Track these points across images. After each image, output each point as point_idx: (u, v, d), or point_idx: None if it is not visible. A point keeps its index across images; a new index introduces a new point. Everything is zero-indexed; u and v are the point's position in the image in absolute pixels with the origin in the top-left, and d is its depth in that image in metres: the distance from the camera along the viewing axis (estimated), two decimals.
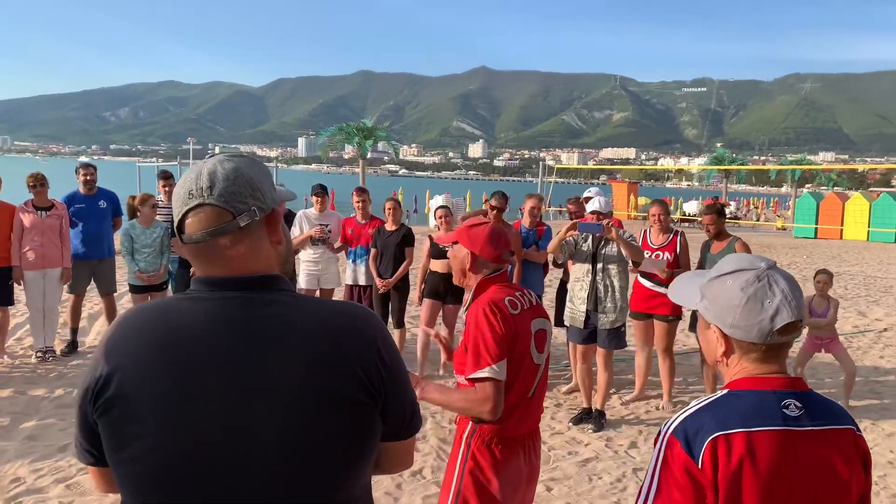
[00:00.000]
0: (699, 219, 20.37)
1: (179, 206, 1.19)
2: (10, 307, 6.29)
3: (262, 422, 1.08)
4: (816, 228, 27.43)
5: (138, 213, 6.25)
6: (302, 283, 6.51)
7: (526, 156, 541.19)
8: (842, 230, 26.92)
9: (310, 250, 6.52)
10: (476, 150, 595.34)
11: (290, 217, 6.44)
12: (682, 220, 30.73)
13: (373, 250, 6.31)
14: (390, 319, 6.36)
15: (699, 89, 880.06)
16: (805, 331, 5.97)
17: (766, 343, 1.31)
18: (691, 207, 35.14)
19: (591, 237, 5.09)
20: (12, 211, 6.01)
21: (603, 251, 5.07)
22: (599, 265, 5.07)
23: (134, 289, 6.33)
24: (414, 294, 6.53)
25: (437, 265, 6.17)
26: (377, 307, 6.28)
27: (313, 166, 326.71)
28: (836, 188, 44.33)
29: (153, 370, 1.09)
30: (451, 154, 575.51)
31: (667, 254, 5.59)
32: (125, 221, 6.53)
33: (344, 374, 1.13)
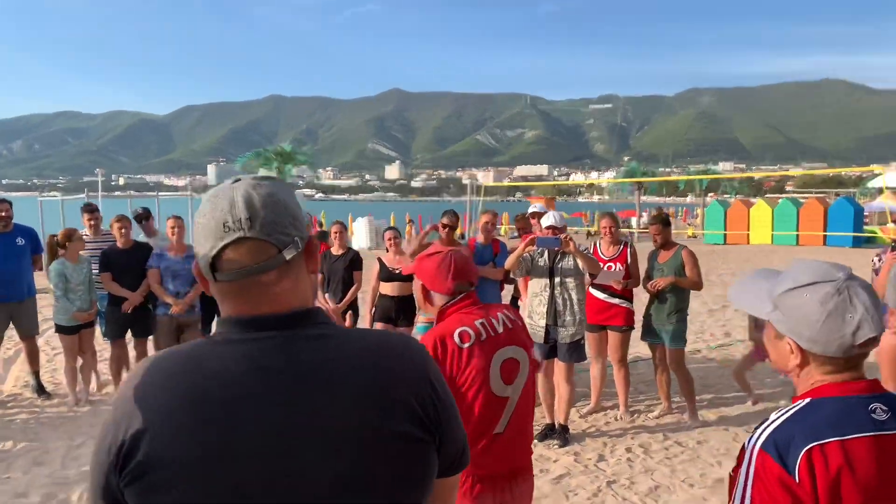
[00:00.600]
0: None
1: (213, 239, 1.04)
2: None
3: (315, 467, 0.97)
4: (725, 235, 28.87)
5: (63, 251, 5.82)
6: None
7: (443, 176, 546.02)
8: (748, 235, 28.45)
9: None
10: (393, 171, 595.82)
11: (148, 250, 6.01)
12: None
13: (319, 276, 6.11)
14: None
15: (605, 105, 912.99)
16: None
17: (845, 357, 1.30)
18: None
19: (546, 251, 5.10)
20: None
21: (559, 265, 5.08)
22: (557, 279, 5.07)
23: (64, 329, 5.88)
24: (365, 318, 6.37)
25: (387, 288, 6.04)
26: None
27: None
28: (738, 195, 46.78)
29: (189, 430, 0.95)
30: (367, 176, 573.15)
31: (619, 265, 5.67)
32: (47, 260, 6.05)
33: (400, 408, 1.04)
